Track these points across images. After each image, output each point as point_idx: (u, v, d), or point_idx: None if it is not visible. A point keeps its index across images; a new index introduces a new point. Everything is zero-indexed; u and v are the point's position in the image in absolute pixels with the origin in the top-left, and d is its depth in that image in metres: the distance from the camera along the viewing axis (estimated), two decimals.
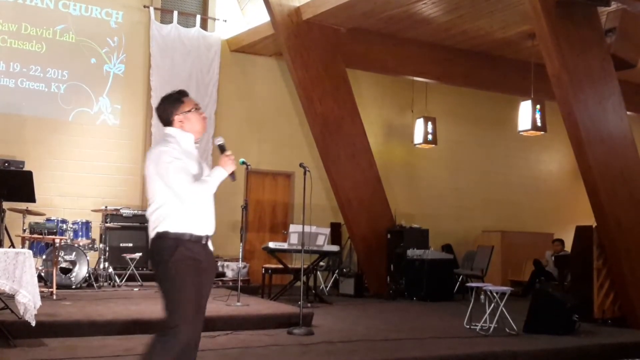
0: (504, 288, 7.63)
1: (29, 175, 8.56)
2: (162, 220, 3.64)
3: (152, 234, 3.68)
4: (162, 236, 3.62)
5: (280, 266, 9.94)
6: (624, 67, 8.86)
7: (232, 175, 3.77)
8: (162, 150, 3.70)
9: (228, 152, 3.79)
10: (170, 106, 3.80)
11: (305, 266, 8.62)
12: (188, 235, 3.61)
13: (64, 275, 8.73)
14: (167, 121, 3.82)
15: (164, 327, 3.59)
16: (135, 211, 10.92)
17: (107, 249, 9.44)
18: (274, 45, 11.73)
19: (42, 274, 8.55)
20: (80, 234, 9.40)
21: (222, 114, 12.12)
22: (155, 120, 11.47)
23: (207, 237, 3.73)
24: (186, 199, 3.63)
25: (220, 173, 3.72)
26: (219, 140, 3.89)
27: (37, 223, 9.16)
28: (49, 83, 10.90)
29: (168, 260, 3.56)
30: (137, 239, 10.74)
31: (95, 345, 5.85)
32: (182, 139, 3.77)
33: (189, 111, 3.79)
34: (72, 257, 8.86)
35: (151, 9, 11.59)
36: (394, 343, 6.57)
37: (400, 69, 12.19)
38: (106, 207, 9.88)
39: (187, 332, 3.58)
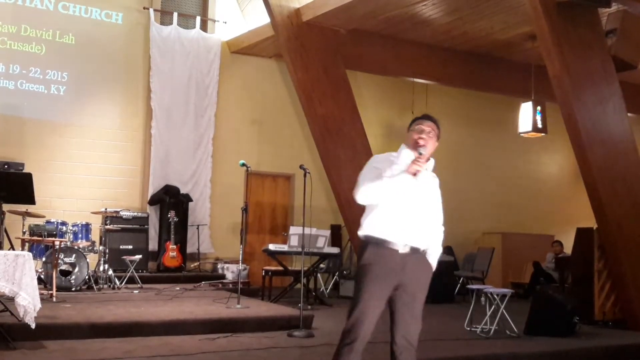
0: (505, 290, 7.63)
1: (28, 177, 8.54)
2: (362, 222, 3.94)
3: None
4: (360, 238, 3.95)
5: (281, 268, 9.93)
6: (624, 68, 8.84)
7: (415, 175, 3.87)
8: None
9: (420, 158, 3.90)
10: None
11: (305, 268, 8.61)
12: (376, 238, 3.83)
13: (63, 278, 8.72)
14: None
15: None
16: (135, 213, 10.92)
17: (107, 251, 9.42)
18: (274, 47, 11.72)
19: (42, 276, 8.54)
20: (80, 236, 9.38)
21: (222, 116, 12.12)
22: (155, 122, 11.48)
23: (403, 244, 3.82)
24: (357, 196, 3.86)
25: (398, 171, 3.83)
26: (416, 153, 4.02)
27: (36, 225, 9.14)
28: (48, 85, 10.89)
29: (357, 262, 3.96)
30: (137, 241, 10.74)
31: (95, 348, 5.84)
32: (402, 153, 4.01)
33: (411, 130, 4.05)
34: (72, 259, 8.84)
35: (151, 10, 11.59)
36: None
37: (401, 71, 12.19)
38: (106, 209, 9.86)
39: (358, 333, 3.82)
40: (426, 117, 4.07)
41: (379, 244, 3.83)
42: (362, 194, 3.85)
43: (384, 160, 3.96)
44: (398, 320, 3.87)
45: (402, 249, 3.83)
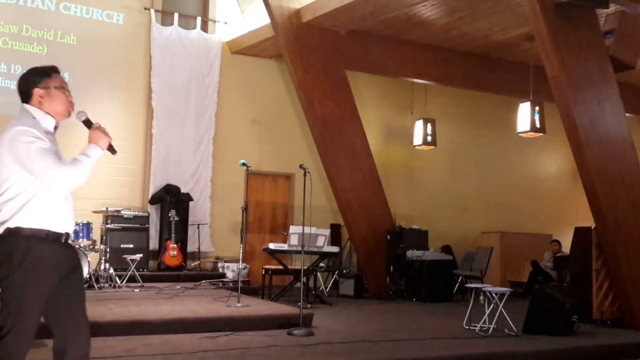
0: (503, 289, 7.66)
1: None
2: (13, 213, 3.07)
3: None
4: (13, 233, 3.07)
5: (281, 267, 9.97)
6: (622, 68, 8.88)
7: (111, 148, 3.34)
8: (19, 130, 3.12)
9: (96, 125, 3.31)
10: (34, 77, 3.28)
11: (305, 267, 8.66)
12: (45, 232, 3.10)
13: None
14: (27, 95, 3.28)
15: None
16: (136, 212, 10.96)
17: (108, 250, 9.47)
18: (274, 47, 11.76)
19: None
20: (81, 235, 9.42)
21: (223, 116, 12.15)
22: (156, 122, 11.52)
23: (67, 235, 3.22)
24: (55, 185, 3.10)
25: (95, 151, 3.24)
26: (82, 116, 3.35)
27: None
28: None
29: (18, 265, 3.05)
30: (138, 240, 10.79)
31: (95, 346, 5.81)
32: (42, 118, 3.25)
33: (54, 88, 3.29)
34: None
35: (152, 11, 11.63)
36: (394, 344, 6.60)
37: (400, 71, 12.23)
38: (107, 208, 9.91)
39: (15, 348, 3.09)
40: (55, 69, 3.36)
41: (53, 241, 3.15)
42: (61, 181, 3.12)
43: (39, 135, 3.17)
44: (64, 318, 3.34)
45: (66, 239, 3.23)
